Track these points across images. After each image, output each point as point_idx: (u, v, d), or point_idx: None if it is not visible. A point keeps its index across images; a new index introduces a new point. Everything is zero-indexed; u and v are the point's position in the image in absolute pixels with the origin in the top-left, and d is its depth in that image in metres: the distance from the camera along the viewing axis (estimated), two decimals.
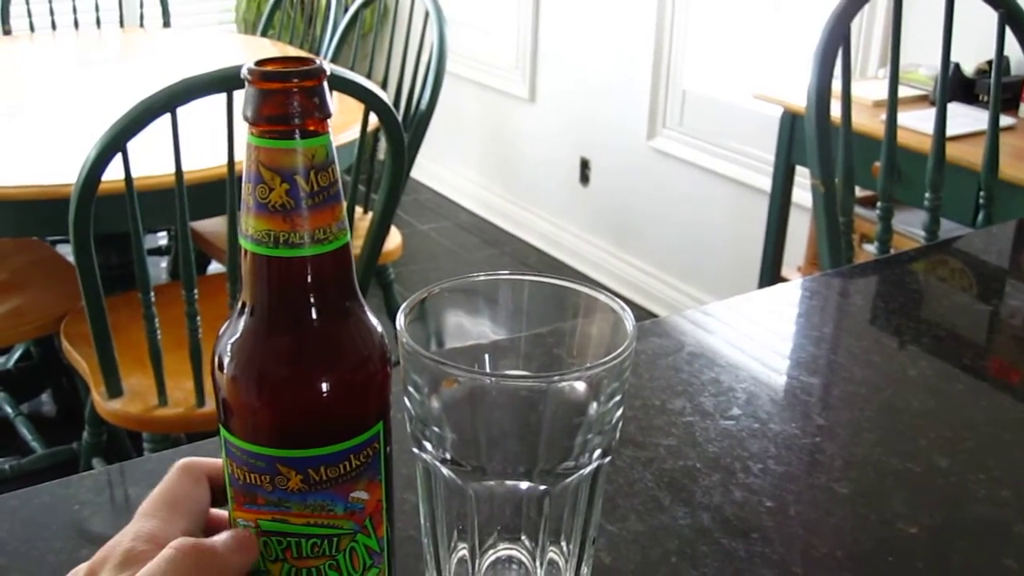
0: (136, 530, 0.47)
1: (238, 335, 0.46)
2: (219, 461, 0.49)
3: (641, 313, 3.45)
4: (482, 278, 0.57)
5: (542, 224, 3.97)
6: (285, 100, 0.43)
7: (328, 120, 0.44)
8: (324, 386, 0.45)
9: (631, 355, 0.51)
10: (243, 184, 0.45)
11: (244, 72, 0.43)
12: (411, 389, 0.51)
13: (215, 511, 0.51)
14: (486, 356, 0.57)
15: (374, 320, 0.48)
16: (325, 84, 0.44)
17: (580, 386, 0.51)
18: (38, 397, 2.72)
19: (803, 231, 2.69)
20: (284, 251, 0.44)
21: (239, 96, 1.46)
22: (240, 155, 1.48)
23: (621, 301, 0.54)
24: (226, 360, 0.46)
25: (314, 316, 0.45)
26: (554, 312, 0.57)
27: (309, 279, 0.45)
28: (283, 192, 0.43)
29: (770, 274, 2.66)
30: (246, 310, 0.46)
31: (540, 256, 3.90)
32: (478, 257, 3.89)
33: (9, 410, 2.50)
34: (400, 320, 0.52)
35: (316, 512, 0.47)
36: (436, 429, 0.51)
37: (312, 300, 0.45)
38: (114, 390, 1.71)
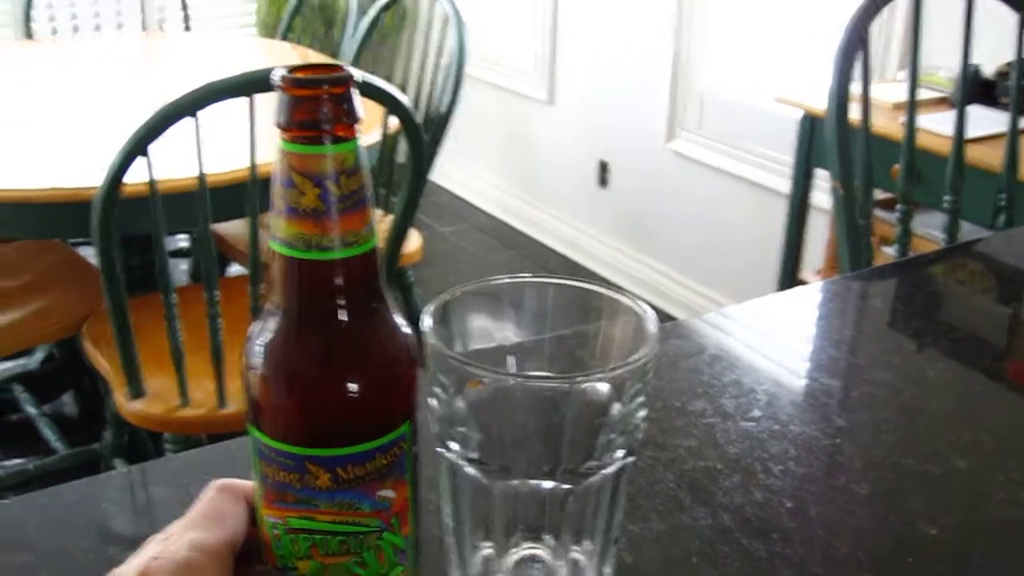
0: (190, 540, 0.47)
1: (269, 336, 0.47)
2: (252, 483, 0.50)
3: (659, 316, 3.44)
4: (506, 281, 0.58)
5: (561, 227, 3.97)
6: (316, 106, 0.44)
7: (357, 125, 0.45)
8: (353, 386, 0.46)
9: (654, 356, 0.52)
10: (274, 188, 0.45)
11: (276, 79, 0.44)
12: (437, 389, 0.52)
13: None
14: (510, 358, 0.58)
15: (402, 321, 0.49)
16: (354, 90, 0.45)
17: (603, 387, 0.52)
18: (60, 398, 2.74)
19: (822, 234, 2.69)
20: (315, 254, 0.45)
21: (260, 100, 1.48)
22: (261, 158, 1.49)
23: (644, 303, 0.55)
24: (257, 360, 0.47)
25: (343, 317, 0.46)
26: (577, 315, 0.58)
27: (339, 281, 0.46)
28: (314, 197, 0.44)
29: (789, 277, 2.66)
30: (277, 311, 0.47)
31: (559, 259, 3.91)
32: (497, 260, 3.89)
33: (32, 411, 2.52)
34: (426, 321, 0.53)
35: (343, 510, 0.47)
36: (462, 429, 0.52)
37: (342, 302, 0.46)
38: (136, 391, 1.72)
